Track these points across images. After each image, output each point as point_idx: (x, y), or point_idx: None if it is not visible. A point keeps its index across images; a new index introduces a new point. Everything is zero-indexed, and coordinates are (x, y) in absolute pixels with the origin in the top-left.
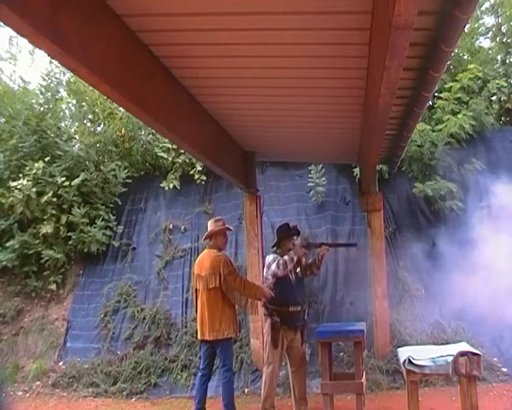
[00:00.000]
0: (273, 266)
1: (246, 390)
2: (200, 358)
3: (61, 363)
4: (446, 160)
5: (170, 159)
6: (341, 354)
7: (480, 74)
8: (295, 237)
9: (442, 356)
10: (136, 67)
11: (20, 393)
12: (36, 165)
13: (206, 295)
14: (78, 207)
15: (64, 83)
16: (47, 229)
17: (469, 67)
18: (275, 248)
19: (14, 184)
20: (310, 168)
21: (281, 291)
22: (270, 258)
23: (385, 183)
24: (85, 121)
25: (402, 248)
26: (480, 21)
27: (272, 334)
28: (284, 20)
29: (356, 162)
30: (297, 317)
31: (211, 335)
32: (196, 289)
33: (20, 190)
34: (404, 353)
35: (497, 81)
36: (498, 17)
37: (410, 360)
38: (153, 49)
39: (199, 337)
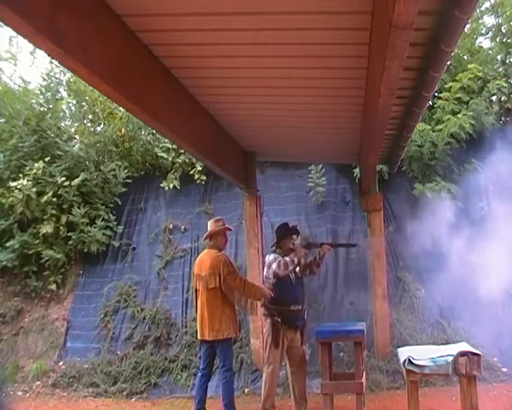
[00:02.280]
0: (274, 266)
1: (246, 390)
2: (200, 358)
3: (61, 363)
4: (446, 160)
5: (170, 159)
6: (341, 354)
7: (480, 74)
8: (295, 237)
9: (442, 356)
10: (136, 67)
11: (20, 393)
12: (36, 165)
13: (205, 295)
14: (78, 207)
15: (64, 83)
16: (47, 229)
17: (469, 67)
18: (274, 248)
19: (14, 184)
20: (310, 168)
21: (281, 290)
22: (270, 257)
23: (385, 183)
24: (85, 121)
25: (402, 248)
26: (480, 21)
27: (273, 334)
28: (284, 20)
29: (356, 162)
30: (298, 316)
31: (210, 335)
32: (196, 290)
33: (20, 190)
34: (404, 353)
35: (497, 81)
36: (498, 17)
37: (410, 360)
38: (153, 49)
39: (199, 337)
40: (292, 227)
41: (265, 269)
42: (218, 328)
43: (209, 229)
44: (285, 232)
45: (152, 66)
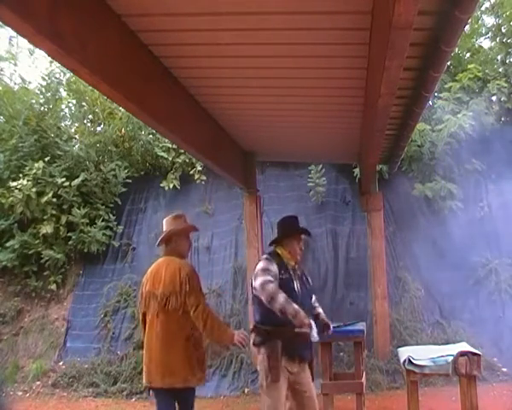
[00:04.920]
0: (258, 282)
1: (246, 390)
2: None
3: (61, 363)
4: (446, 160)
5: (170, 159)
6: (341, 354)
7: (479, 74)
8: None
9: (442, 356)
10: (136, 67)
11: (20, 393)
12: (36, 165)
13: (162, 320)
14: (78, 208)
15: (64, 83)
16: (47, 229)
17: (469, 67)
18: (273, 248)
19: (14, 184)
20: (310, 168)
21: None
22: (260, 265)
23: (385, 183)
24: (85, 121)
25: (402, 248)
26: (480, 21)
27: (270, 363)
28: (284, 20)
29: (356, 162)
30: (305, 343)
31: (166, 381)
32: (144, 314)
33: (20, 190)
34: (404, 353)
35: (497, 81)
36: (498, 17)
37: (410, 360)
38: (153, 49)
39: (144, 383)
40: (302, 227)
41: (252, 277)
42: (181, 371)
43: (165, 228)
44: (291, 229)
45: (152, 66)
